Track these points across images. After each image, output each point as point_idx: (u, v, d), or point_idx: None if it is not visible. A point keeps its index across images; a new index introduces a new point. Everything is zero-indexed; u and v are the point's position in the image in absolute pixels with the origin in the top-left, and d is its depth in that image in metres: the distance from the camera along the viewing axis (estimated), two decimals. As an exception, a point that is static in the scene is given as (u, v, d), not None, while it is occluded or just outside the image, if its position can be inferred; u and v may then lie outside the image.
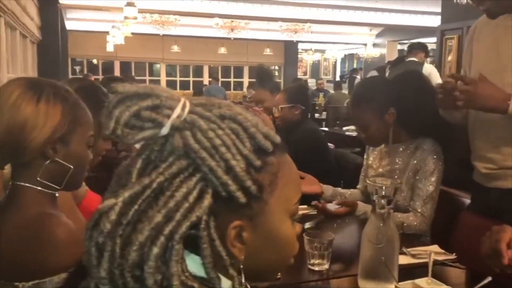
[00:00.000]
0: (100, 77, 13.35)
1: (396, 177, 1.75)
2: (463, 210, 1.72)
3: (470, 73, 1.59)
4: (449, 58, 7.91)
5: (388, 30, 12.20)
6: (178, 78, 14.50)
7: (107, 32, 10.47)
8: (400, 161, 1.78)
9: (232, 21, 10.32)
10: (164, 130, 0.58)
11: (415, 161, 1.73)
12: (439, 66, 8.20)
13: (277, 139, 0.65)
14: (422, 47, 5.59)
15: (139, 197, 0.57)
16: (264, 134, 0.62)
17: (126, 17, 6.80)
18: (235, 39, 11.89)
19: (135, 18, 6.68)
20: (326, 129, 5.89)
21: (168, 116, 0.58)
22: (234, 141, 0.60)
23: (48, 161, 1.01)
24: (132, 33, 10.14)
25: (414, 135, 1.78)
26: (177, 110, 0.59)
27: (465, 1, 6.01)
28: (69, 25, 10.88)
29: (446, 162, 1.75)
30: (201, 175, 0.58)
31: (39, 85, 1.02)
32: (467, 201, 1.76)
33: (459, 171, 1.82)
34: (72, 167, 1.04)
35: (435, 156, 1.72)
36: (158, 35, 11.20)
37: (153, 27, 10.02)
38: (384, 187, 1.15)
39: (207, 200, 0.57)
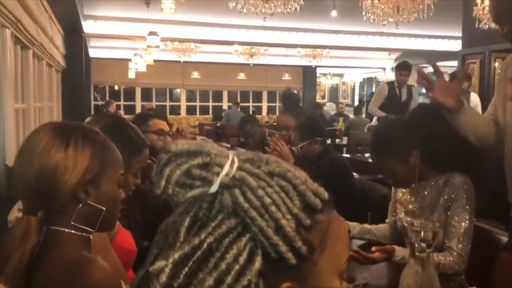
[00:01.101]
0: (122, 103, 13.62)
1: (427, 214, 1.71)
2: (499, 248, 1.67)
3: (505, 113, 1.55)
4: (473, 78, 7.86)
5: (407, 54, 12.18)
6: (198, 103, 14.66)
7: (129, 60, 10.69)
8: (429, 198, 1.74)
9: (251, 48, 10.44)
10: (214, 188, 0.58)
11: (446, 197, 1.69)
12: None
13: (326, 195, 0.63)
14: (467, 76, 5.41)
15: (190, 258, 0.56)
16: (313, 191, 0.61)
17: (148, 46, 6.94)
18: (254, 64, 12.01)
19: (158, 47, 6.82)
20: (348, 155, 5.82)
21: (218, 174, 0.58)
22: (283, 199, 0.58)
23: (80, 205, 1.01)
24: (154, 60, 10.34)
25: (442, 171, 1.74)
26: (226, 167, 0.58)
27: (487, 26, 6.00)
28: (92, 53, 11.15)
29: (478, 193, 1.71)
30: (251, 235, 0.57)
31: (67, 130, 1.03)
32: (503, 238, 1.71)
33: (492, 201, 1.76)
34: (104, 208, 1.04)
35: (466, 191, 1.67)
36: (179, 61, 11.39)
37: (174, 54, 10.19)
38: (422, 232, 1.11)
39: (258, 263, 0.56)
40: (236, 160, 0.60)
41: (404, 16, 5.45)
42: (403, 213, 1.85)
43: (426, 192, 1.76)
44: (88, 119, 6.29)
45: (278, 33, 9.11)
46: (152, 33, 6.50)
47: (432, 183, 1.75)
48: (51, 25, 5.10)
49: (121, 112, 12.53)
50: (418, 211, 1.78)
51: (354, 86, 18.21)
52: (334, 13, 7.54)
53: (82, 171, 0.99)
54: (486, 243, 1.75)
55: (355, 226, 1.93)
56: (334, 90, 18.53)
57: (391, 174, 1.78)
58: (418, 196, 1.79)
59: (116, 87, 14.17)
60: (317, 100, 16.32)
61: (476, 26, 6.09)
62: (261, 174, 0.59)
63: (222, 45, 9.98)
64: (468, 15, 6.69)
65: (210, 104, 14.75)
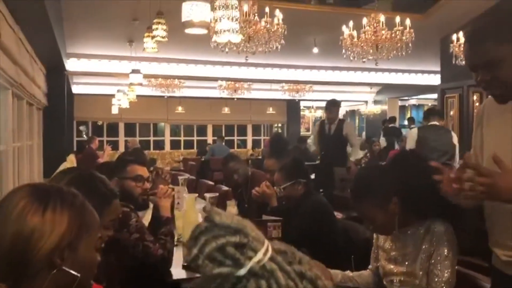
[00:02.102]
0: (105, 138, 13.52)
1: (409, 262, 1.69)
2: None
3: (483, 157, 1.55)
4: (451, 113, 8.02)
5: (388, 87, 12.43)
6: (182, 138, 14.63)
7: (112, 95, 10.69)
8: (411, 245, 1.72)
9: (235, 83, 10.54)
10: (242, 272, 0.57)
11: (427, 245, 1.67)
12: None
13: None
14: (439, 113, 5.41)
15: None
16: None
17: (131, 84, 6.95)
18: (238, 99, 12.10)
19: (141, 84, 6.83)
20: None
21: (250, 258, 0.57)
22: None
23: (55, 270, 0.96)
24: (137, 95, 10.36)
25: (423, 217, 1.73)
26: (259, 255, 0.58)
27: (463, 63, 6.17)
28: (75, 89, 11.13)
29: (461, 233, 1.69)
30: None
31: (45, 193, 1.00)
32: (486, 285, 1.68)
33: (477, 239, 1.74)
34: (79, 275, 0.99)
35: (447, 239, 1.66)
36: (162, 97, 11.42)
37: (158, 90, 10.23)
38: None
39: None
40: (270, 249, 0.59)
41: (383, 54, 5.58)
42: (385, 260, 1.82)
43: (407, 240, 1.74)
44: (61, 166, 6.20)
45: (261, 69, 9.24)
46: (134, 71, 6.53)
47: (413, 230, 1.74)
48: (32, 65, 5.08)
49: (109, 147, 12.41)
50: (400, 258, 1.76)
51: (337, 118, 18.39)
52: (315, 50, 7.70)
53: (60, 235, 0.96)
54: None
55: (337, 274, 1.90)
56: (318, 123, 18.72)
57: (371, 221, 1.76)
58: (400, 243, 1.77)
59: (99, 122, 14.10)
60: (301, 133, 16.44)
61: (454, 62, 6.27)
62: (292, 273, 0.59)
63: (206, 81, 10.06)
64: (445, 51, 6.89)
65: (195, 138, 14.73)
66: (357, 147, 6.38)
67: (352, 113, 18.31)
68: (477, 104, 7.63)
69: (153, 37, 4.48)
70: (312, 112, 16.71)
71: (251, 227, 0.59)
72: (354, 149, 5.97)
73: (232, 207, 3.08)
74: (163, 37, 4.26)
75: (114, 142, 13.58)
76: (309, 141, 6.38)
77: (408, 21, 5.32)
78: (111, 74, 8.60)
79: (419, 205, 1.71)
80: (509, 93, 1.41)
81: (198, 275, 0.60)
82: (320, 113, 18.24)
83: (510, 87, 1.38)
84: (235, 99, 12.22)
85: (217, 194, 3.03)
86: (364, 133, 14.64)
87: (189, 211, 2.75)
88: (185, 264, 2.29)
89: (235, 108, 13.83)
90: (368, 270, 1.97)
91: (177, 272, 2.20)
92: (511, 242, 1.42)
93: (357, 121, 17.88)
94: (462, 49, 6.17)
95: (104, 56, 8.12)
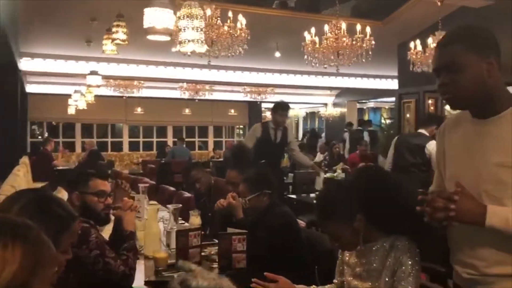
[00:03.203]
0: (61, 139, 13.06)
1: (374, 278, 1.71)
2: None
3: (445, 174, 1.59)
4: (408, 116, 8.28)
5: (347, 90, 12.67)
6: (141, 139, 14.34)
7: (69, 95, 10.34)
8: (376, 261, 1.74)
9: (197, 84, 10.44)
10: None
11: (392, 261, 1.69)
12: (398, 124, 8.56)
13: None
14: (438, 120, 4.85)
15: None
16: None
17: (89, 85, 6.74)
18: (199, 100, 11.99)
19: (99, 86, 6.63)
20: (294, 196, 5.85)
21: None
22: None
23: None
24: (95, 95, 10.06)
25: (388, 233, 1.75)
26: None
27: (420, 69, 6.36)
28: (30, 88, 10.70)
29: (427, 240, 1.72)
30: None
31: None
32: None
33: (441, 247, 1.76)
34: None
35: (410, 254, 1.68)
36: (121, 97, 11.15)
37: (117, 90, 9.98)
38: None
39: None
40: None
41: (345, 60, 5.66)
42: (350, 276, 1.83)
43: (372, 255, 1.76)
44: (15, 169, 5.91)
45: (223, 72, 9.19)
46: (92, 73, 6.33)
47: (378, 246, 1.75)
48: (-19, 65, 4.83)
49: (64, 149, 12.00)
50: (365, 274, 1.77)
51: (298, 120, 18.61)
52: (277, 54, 7.74)
53: (11, 274, 0.88)
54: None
55: (301, 291, 1.89)
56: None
57: (336, 239, 1.77)
58: (365, 259, 1.78)
59: (54, 123, 13.61)
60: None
61: (411, 69, 6.45)
62: None
63: (167, 82, 9.91)
64: (403, 58, 7.08)
65: (154, 139, 14.48)
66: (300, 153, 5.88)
67: (312, 115, 18.56)
68: (432, 108, 7.93)
69: (112, 39, 4.35)
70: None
71: (228, 285, 0.58)
72: (302, 155, 5.74)
73: (195, 217, 3.03)
74: (123, 41, 4.15)
75: (70, 143, 13.16)
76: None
77: (368, 29, 5.41)
78: (68, 74, 8.31)
79: (384, 221, 1.73)
80: (463, 102, 1.46)
81: None
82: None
83: (466, 96, 1.42)
84: (197, 100, 12.09)
85: (180, 205, 2.97)
86: (323, 135, 14.84)
87: (151, 222, 2.68)
88: (147, 280, 2.23)
89: (196, 109, 13.69)
90: (333, 284, 1.98)
91: (140, 289, 2.14)
92: (472, 260, 1.46)
93: (316, 123, 18.14)
94: (419, 56, 6.38)
95: (60, 56, 7.83)
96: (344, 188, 1.84)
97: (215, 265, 2.39)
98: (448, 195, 1.32)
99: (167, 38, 2.69)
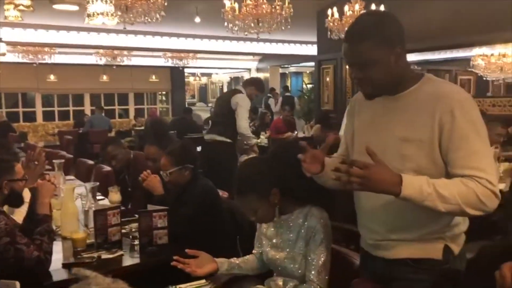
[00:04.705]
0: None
1: (290, 247, 1.80)
2: (353, 271, 1.82)
3: (352, 147, 1.67)
4: (327, 79, 8.56)
5: (270, 56, 12.76)
6: (56, 108, 13.50)
7: (-30, 63, 9.44)
8: (292, 231, 1.83)
9: (114, 50, 9.96)
10: None
11: (305, 230, 1.79)
12: (318, 88, 8.83)
13: None
14: (257, 84, 5.05)
15: None
16: None
17: (-8, 53, 6.18)
18: (117, 66, 11.47)
19: (4, 54, 6.10)
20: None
21: None
22: None
23: None
24: (0, 62, 9.26)
25: (303, 204, 1.84)
26: None
27: (337, 37, 6.55)
28: None
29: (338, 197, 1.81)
30: None
31: None
32: (356, 262, 1.86)
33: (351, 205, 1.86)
34: None
35: (322, 224, 1.78)
36: (31, 64, 10.36)
37: (26, 57, 9.25)
38: None
39: None
40: None
41: (265, 27, 5.66)
42: (268, 246, 1.91)
43: (288, 226, 1.84)
44: None
45: (141, 37, 8.83)
46: (-5, 39, 5.80)
47: (293, 217, 1.84)
48: None
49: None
50: (281, 244, 1.86)
51: (222, 85, 18.51)
52: (197, 19, 7.56)
53: None
54: (341, 266, 1.89)
55: (223, 263, 1.95)
56: (203, 90, 18.65)
57: (253, 213, 1.83)
58: (282, 229, 1.87)
59: (-45, 92, 12.41)
60: (187, 100, 16.24)
61: (329, 36, 6.62)
62: None
63: (81, 48, 9.35)
64: (321, 25, 7.22)
65: (71, 108, 13.70)
66: None
67: (236, 80, 18.53)
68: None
69: (15, 5, 3.99)
70: (197, 79, 16.54)
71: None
72: None
73: (114, 194, 2.96)
74: (27, 6, 3.82)
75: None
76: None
77: (287, -5, 5.44)
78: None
79: (298, 193, 1.81)
80: (376, 93, 1.53)
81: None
82: (205, 80, 18.18)
83: (378, 87, 1.49)
84: (114, 67, 11.56)
85: (97, 183, 2.88)
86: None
87: (67, 202, 2.58)
88: (65, 262, 2.18)
89: (114, 76, 13.08)
90: (252, 254, 2.06)
91: (58, 273, 2.08)
92: (377, 226, 1.56)
93: (241, 88, 18.16)
94: (336, 24, 6.55)
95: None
96: (261, 165, 1.88)
97: (137, 242, 2.37)
98: (363, 163, 1.33)
99: (75, 8, 2.52)
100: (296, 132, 8.36)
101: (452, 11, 6.72)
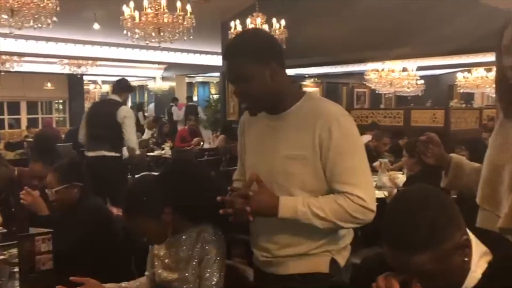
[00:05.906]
0: None
1: (181, 268, 1.74)
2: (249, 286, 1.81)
3: (246, 163, 1.68)
4: (232, 90, 8.66)
5: (175, 64, 12.59)
6: None
7: None
8: (184, 251, 1.77)
9: (1, 55, 9.16)
10: None
11: (198, 250, 1.74)
12: (223, 98, 8.89)
13: None
14: (128, 88, 4.91)
15: None
16: None
17: None
18: (6, 72, 10.55)
19: None
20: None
21: None
22: None
23: None
24: None
25: (196, 223, 1.80)
26: None
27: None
28: None
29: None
30: None
31: None
32: (250, 276, 1.85)
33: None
34: None
35: (215, 242, 1.75)
36: None
37: None
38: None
39: None
40: None
41: (167, 36, 5.56)
42: (160, 268, 1.84)
43: (181, 246, 1.78)
44: None
45: (33, 42, 8.21)
46: None
47: (186, 236, 1.78)
48: None
49: None
50: (174, 265, 1.79)
51: (125, 94, 17.85)
52: (96, 25, 7.23)
53: None
54: (237, 282, 1.87)
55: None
56: (105, 98, 17.83)
57: (142, 233, 1.75)
58: (174, 249, 1.80)
59: None
60: (86, 108, 15.38)
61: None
62: None
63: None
64: (225, 35, 7.28)
65: (-49, 118, 12.34)
66: None
67: (140, 88, 18.03)
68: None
69: None
70: (98, 87, 15.78)
71: None
72: None
73: (-6, 215, 2.68)
74: None
75: None
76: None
77: (189, 7, 5.40)
78: None
79: (192, 212, 1.76)
80: (257, 107, 1.57)
81: None
82: (107, 88, 17.41)
83: (258, 102, 1.53)
84: (3, 73, 10.62)
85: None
86: (153, 110, 14.56)
87: None
88: None
89: (3, 83, 11.96)
90: (145, 276, 1.96)
91: None
92: (266, 244, 1.59)
93: (146, 97, 17.71)
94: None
95: None
96: (152, 183, 1.81)
97: (17, 269, 2.15)
98: (244, 194, 1.41)
99: None
100: (202, 143, 8.28)
101: (349, 29, 7.17)
